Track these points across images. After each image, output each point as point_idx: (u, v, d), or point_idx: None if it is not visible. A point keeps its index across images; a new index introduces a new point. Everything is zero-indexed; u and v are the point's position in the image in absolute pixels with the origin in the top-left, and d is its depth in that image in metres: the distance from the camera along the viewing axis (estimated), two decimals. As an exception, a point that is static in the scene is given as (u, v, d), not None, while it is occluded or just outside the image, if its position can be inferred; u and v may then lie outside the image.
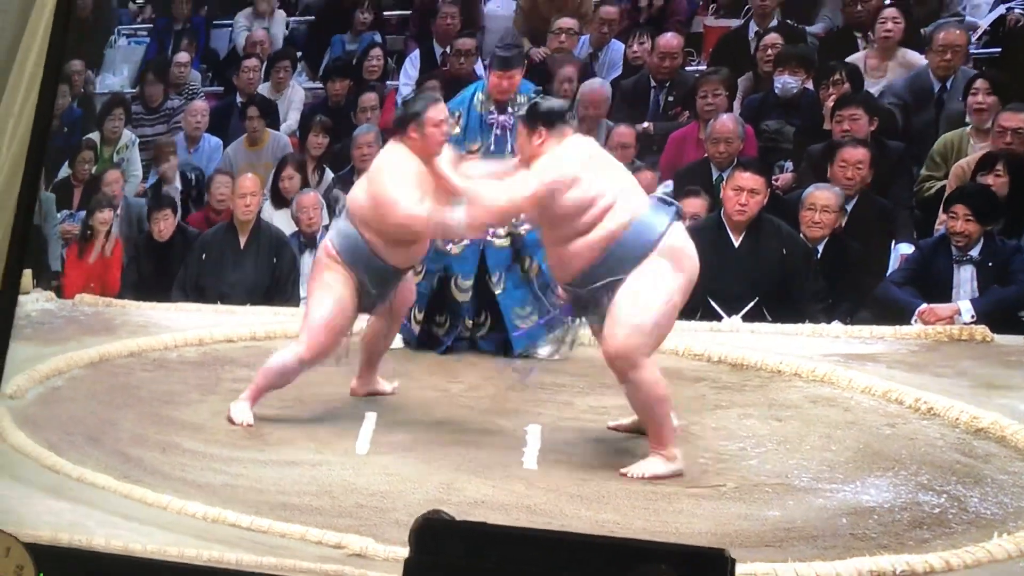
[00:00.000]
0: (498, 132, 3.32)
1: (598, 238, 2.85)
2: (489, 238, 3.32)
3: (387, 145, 3.15)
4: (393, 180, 3.05)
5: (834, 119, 3.22)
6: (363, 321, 3.22)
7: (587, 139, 3.03)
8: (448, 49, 3.74)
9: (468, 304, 3.35)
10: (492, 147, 3.33)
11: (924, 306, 3.05)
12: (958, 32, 3.15)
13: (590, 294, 2.89)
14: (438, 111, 3.09)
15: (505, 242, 3.33)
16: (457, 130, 3.33)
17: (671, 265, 2.83)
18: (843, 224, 3.19)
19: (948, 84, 3.16)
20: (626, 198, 2.88)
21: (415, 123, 3.08)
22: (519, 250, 3.33)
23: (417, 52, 3.78)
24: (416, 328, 3.42)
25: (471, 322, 3.38)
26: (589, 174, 2.88)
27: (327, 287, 3.15)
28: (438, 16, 3.77)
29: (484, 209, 2.93)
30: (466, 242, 3.32)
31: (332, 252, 3.15)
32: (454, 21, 3.75)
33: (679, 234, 2.87)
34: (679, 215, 2.91)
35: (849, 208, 3.20)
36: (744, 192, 3.23)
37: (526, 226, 3.27)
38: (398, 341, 3.37)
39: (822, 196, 3.19)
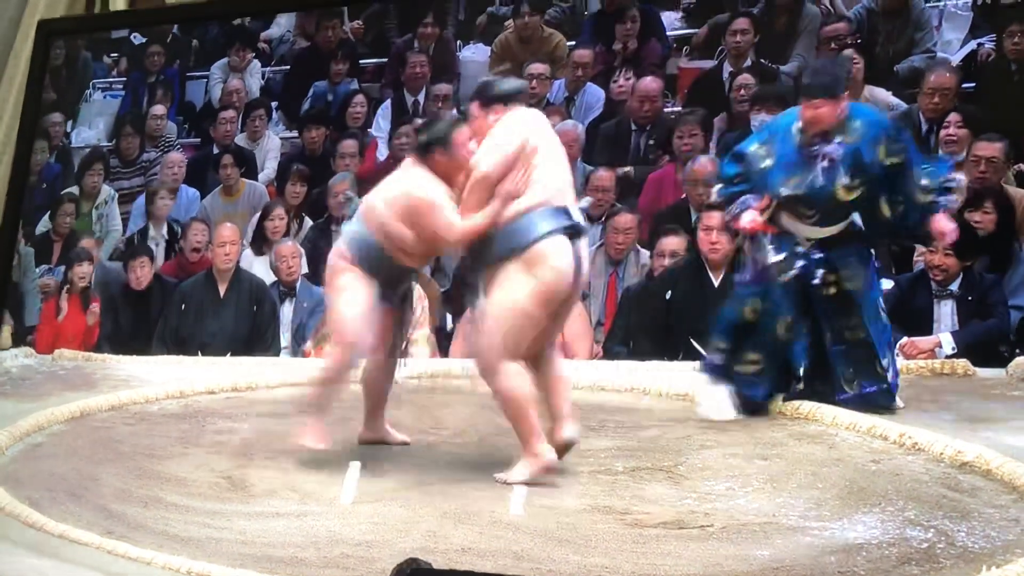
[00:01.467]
0: (824, 164, 3.04)
1: (503, 218, 2.94)
2: (816, 281, 3.07)
3: (409, 169, 3.12)
4: (442, 203, 3.04)
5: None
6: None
7: (534, 112, 3.09)
8: (420, 97, 3.76)
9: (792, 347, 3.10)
10: (812, 180, 3.06)
11: (905, 339, 3.06)
12: (948, 75, 3.17)
13: (472, 277, 3.00)
14: (460, 134, 3.06)
15: (833, 290, 3.08)
16: (770, 162, 3.14)
17: (528, 272, 2.91)
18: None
19: (935, 126, 3.18)
20: (539, 191, 2.94)
21: (442, 146, 3.07)
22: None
23: (389, 102, 3.79)
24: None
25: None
26: (535, 138, 2.96)
27: (352, 288, 3.15)
28: (407, 65, 3.78)
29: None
30: (795, 271, 3.10)
31: (349, 257, 3.16)
32: (423, 69, 3.76)
33: (553, 245, 2.92)
34: (572, 231, 2.93)
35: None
36: (714, 231, 3.25)
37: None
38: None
39: None
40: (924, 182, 2.99)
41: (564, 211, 2.96)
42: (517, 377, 2.95)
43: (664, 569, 2.70)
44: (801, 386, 3.09)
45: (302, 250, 3.72)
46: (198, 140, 3.99)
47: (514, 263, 2.92)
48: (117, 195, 3.98)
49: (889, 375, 3.02)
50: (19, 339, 3.84)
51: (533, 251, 2.92)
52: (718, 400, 3.12)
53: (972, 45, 3.21)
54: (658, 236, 3.37)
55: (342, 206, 3.40)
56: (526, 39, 3.62)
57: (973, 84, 3.19)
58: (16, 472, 3.48)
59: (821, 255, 3.05)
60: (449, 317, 3.51)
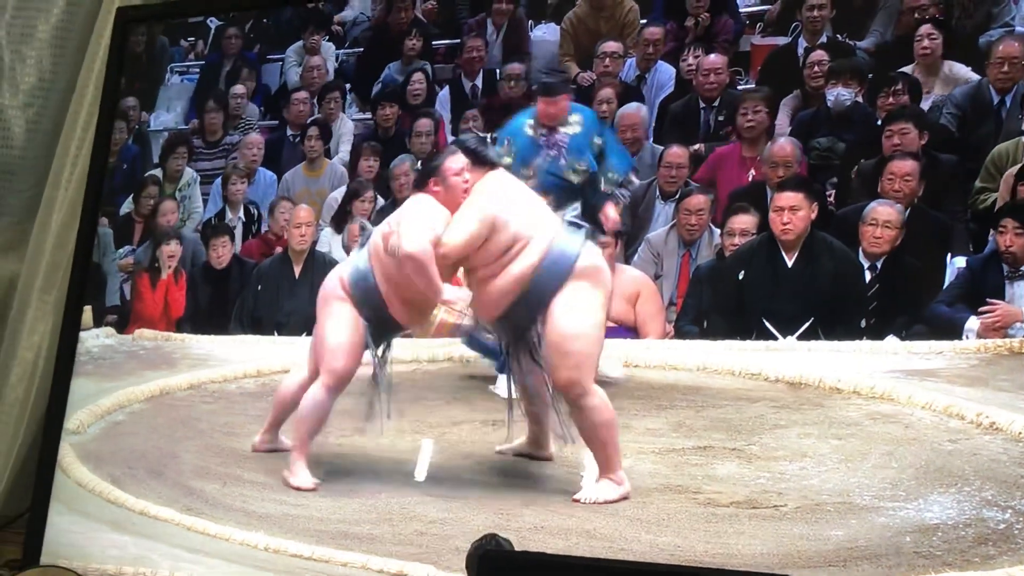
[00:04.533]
0: (552, 152, 3.36)
1: (520, 273, 3.00)
2: None
3: (415, 197, 3.22)
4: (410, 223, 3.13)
5: (884, 134, 3.20)
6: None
7: (504, 175, 3.18)
8: (478, 81, 3.75)
9: None
10: (547, 168, 3.36)
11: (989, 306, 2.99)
12: (1016, 44, 3.10)
13: (519, 328, 3.03)
14: (455, 160, 3.15)
15: None
16: (508, 160, 3.37)
17: (589, 284, 2.99)
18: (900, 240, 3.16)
19: (1007, 98, 3.11)
20: (542, 230, 3.03)
21: (435, 176, 3.16)
22: None
23: (447, 90, 3.79)
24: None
25: None
26: (510, 213, 3.04)
27: (339, 316, 3.21)
28: (463, 50, 3.78)
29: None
30: None
31: (345, 285, 3.22)
32: (480, 54, 3.75)
33: (591, 253, 3.03)
34: (590, 235, 3.06)
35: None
36: (785, 211, 3.22)
37: None
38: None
39: (883, 211, 3.17)
40: (611, 174, 3.35)
41: (573, 223, 3.09)
42: (608, 401, 2.97)
43: (737, 548, 2.70)
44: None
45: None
46: (275, 123, 4.02)
47: (569, 286, 2.99)
48: (199, 177, 4.03)
49: None
50: (99, 319, 3.91)
51: (580, 267, 3.01)
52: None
53: (1053, 18, 3.13)
54: (729, 215, 3.34)
55: (356, 236, 3.46)
56: (599, 5, 3.60)
57: (1053, 58, 3.12)
58: (97, 450, 3.55)
59: None
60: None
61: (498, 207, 3.08)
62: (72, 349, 3.78)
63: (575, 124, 3.39)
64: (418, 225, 3.12)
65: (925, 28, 3.23)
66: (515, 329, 3.07)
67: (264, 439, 3.36)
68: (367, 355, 3.21)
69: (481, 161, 3.18)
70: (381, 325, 3.20)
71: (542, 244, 3.02)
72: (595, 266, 3.03)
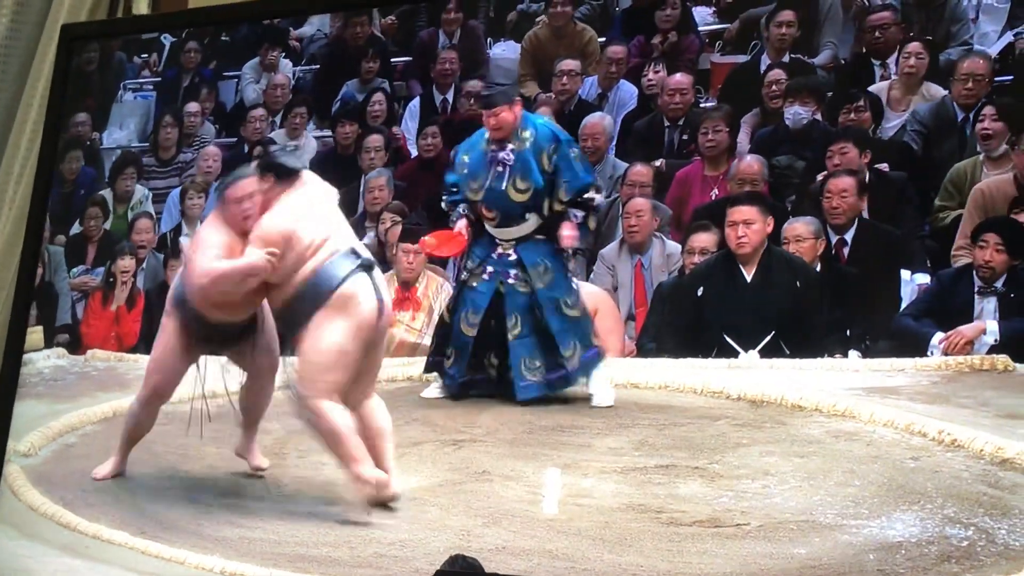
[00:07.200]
0: (498, 169, 3.36)
1: (301, 279, 3.14)
2: (511, 280, 3.37)
3: (207, 220, 3.37)
4: (199, 250, 3.29)
5: (826, 155, 3.22)
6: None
7: (308, 188, 3.29)
8: (449, 95, 3.74)
9: (472, 341, 3.37)
10: (490, 183, 3.38)
11: (942, 334, 3.02)
12: (980, 61, 3.13)
13: (286, 331, 3.22)
14: (235, 189, 3.26)
15: (525, 288, 3.36)
16: (454, 176, 3.45)
17: (339, 314, 3.10)
18: (844, 253, 3.19)
19: (971, 114, 3.14)
20: (329, 245, 3.16)
21: (221, 201, 3.29)
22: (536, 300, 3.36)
23: (417, 101, 3.77)
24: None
25: (492, 363, 3.37)
26: (304, 223, 3.17)
27: (162, 330, 3.38)
28: (437, 62, 3.76)
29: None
30: (485, 276, 3.40)
31: (169, 297, 3.38)
32: (453, 66, 3.74)
33: (356, 283, 3.13)
34: (365, 267, 3.16)
35: (849, 237, 3.19)
36: (739, 224, 3.23)
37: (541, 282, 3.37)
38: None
39: (796, 228, 3.21)
40: (561, 193, 3.34)
41: (352, 251, 3.18)
42: (337, 414, 3.10)
43: (700, 568, 2.68)
44: (494, 373, 3.36)
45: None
46: (233, 140, 3.98)
47: (323, 310, 3.12)
48: (151, 195, 3.98)
49: (570, 365, 3.29)
50: (50, 339, 3.85)
51: (339, 294, 3.12)
52: (433, 386, 3.42)
53: (1009, 37, 3.16)
54: (689, 233, 3.34)
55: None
56: (558, 33, 3.59)
57: (1011, 77, 3.14)
58: (49, 473, 3.49)
59: (515, 256, 3.38)
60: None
61: (285, 235, 3.18)
62: (16, 370, 3.73)
63: (525, 140, 3.37)
64: (204, 254, 3.25)
65: (914, 46, 3.24)
66: (285, 330, 3.24)
67: (239, 444, 3.41)
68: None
69: (283, 173, 3.27)
70: (202, 328, 3.30)
71: (321, 259, 3.14)
72: (352, 295, 3.13)
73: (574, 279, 3.38)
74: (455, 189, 3.45)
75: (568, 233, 3.35)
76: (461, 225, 3.43)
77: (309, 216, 3.21)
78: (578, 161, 3.38)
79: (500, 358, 3.35)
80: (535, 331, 3.33)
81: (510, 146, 3.37)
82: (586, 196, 3.36)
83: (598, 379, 3.27)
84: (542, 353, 3.31)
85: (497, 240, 3.41)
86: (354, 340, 3.11)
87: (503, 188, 3.36)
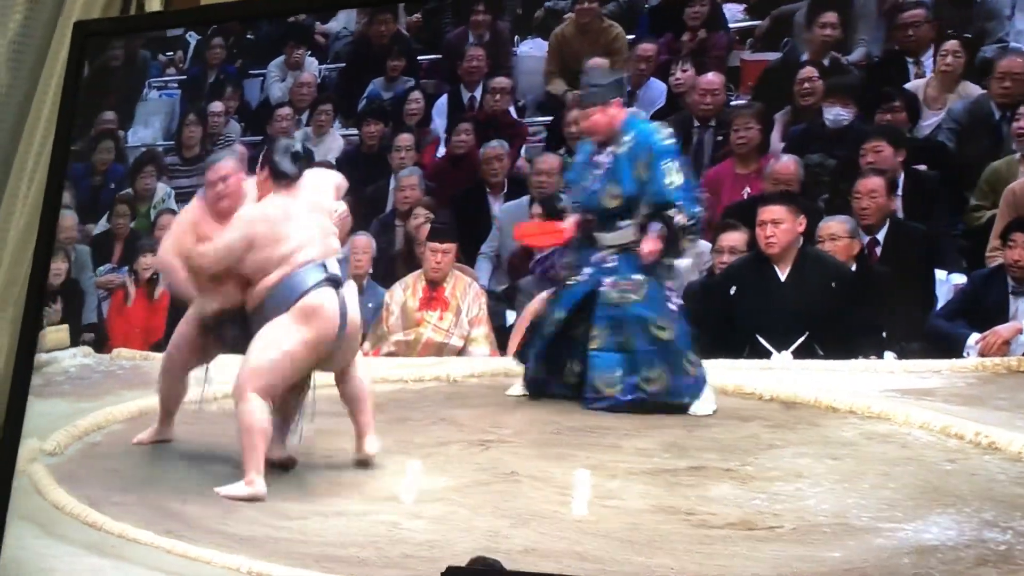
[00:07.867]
0: (596, 171, 3.29)
1: (270, 284, 3.25)
2: (604, 288, 3.24)
3: (192, 202, 3.50)
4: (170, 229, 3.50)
5: (860, 153, 3.19)
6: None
7: (307, 192, 3.38)
8: (477, 93, 3.71)
9: (551, 338, 3.28)
10: (589, 185, 3.31)
11: (987, 332, 2.98)
12: (1019, 60, 3.09)
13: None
14: (211, 172, 3.43)
15: (618, 299, 3.24)
16: (574, 170, 3.36)
17: (299, 322, 3.21)
18: (876, 252, 3.15)
19: (1009, 113, 3.10)
20: (300, 255, 3.27)
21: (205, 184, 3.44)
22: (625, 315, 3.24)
23: (444, 98, 3.75)
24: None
25: (574, 371, 3.25)
26: (279, 227, 3.29)
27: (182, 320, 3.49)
28: (464, 59, 3.73)
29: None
30: (582, 277, 3.29)
31: None
32: (481, 64, 3.71)
33: (320, 296, 3.23)
34: (332, 281, 3.25)
35: (880, 237, 3.16)
36: (768, 224, 3.20)
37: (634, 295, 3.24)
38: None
39: (830, 227, 3.17)
40: (643, 207, 3.22)
41: (322, 266, 3.25)
42: (258, 411, 3.19)
43: (732, 571, 2.66)
44: (574, 380, 3.24)
45: (374, 244, 3.66)
46: (259, 139, 3.96)
47: (286, 315, 3.22)
48: (174, 192, 3.97)
49: (651, 388, 3.16)
50: (76, 337, 3.84)
51: (302, 304, 3.21)
52: (516, 384, 3.32)
53: (1047, 34, 3.13)
54: (718, 232, 3.31)
55: None
56: (584, 29, 3.56)
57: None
58: (75, 471, 3.49)
59: (614, 263, 3.25)
60: (510, 314, 3.47)
61: (263, 227, 3.29)
62: (29, 366, 3.73)
63: (624, 144, 3.27)
64: (171, 234, 3.47)
65: (951, 45, 3.21)
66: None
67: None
68: None
69: (276, 174, 3.36)
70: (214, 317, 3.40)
71: (289, 267, 3.25)
72: (315, 308, 3.22)
73: (674, 296, 3.23)
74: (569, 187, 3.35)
75: (647, 248, 3.22)
76: (569, 221, 3.31)
77: (286, 221, 3.30)
78: (669, 175, 3.24)
79: (582, 366, 3.23)
80: (619, 347, 3.19)
81: (610, 148, 3.27)
82: (667, 213, 3.22)
83: (700, 401, 3.15)
84: (622, 372, 3.18)
85: (600, 244, 3.28)
86: (305, 349, 3.21)
87: (598, 192, 3.26)
